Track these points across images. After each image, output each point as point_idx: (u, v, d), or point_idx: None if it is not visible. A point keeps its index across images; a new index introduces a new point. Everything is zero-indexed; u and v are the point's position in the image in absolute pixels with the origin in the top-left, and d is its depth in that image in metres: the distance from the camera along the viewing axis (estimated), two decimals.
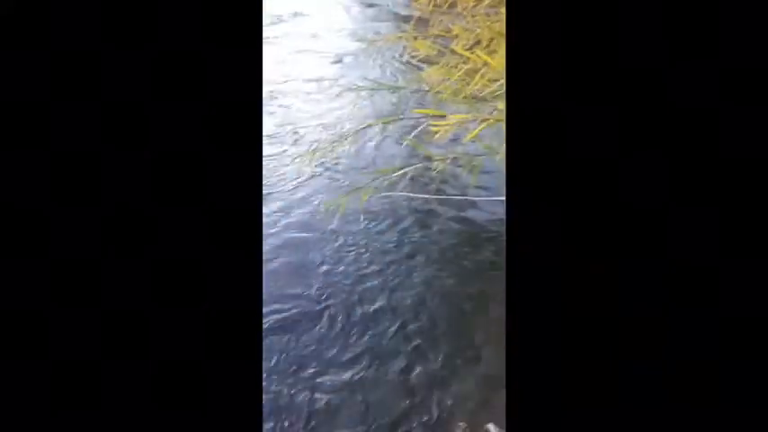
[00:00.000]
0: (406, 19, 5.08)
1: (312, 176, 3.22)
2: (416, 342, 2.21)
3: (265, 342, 2.20)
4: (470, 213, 2.87)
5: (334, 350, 2.19)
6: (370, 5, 6.03)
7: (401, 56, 4.40)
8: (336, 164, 3.30)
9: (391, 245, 2.69)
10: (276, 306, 2.40)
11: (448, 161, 3.02)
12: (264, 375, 2.08)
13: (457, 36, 2.54)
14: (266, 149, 3.50)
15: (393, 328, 2.26)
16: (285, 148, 3.50)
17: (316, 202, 2.97)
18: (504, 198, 2.66)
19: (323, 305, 2.39)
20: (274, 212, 2.91)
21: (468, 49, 2.41)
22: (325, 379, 2.11)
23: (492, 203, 2.94)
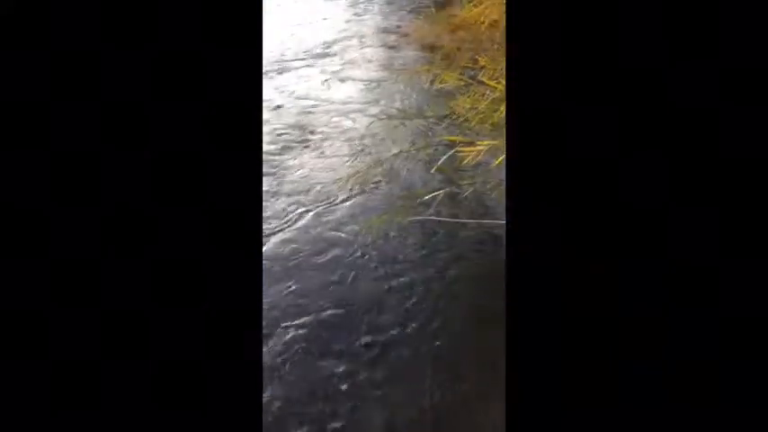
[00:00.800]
0: (435, 49, 5.19)
1: (349, 198, 3.29)
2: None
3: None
4: (497, 232, 2.95)
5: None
6: (405, 35, 6.14)
7: (432, 84, 4.49)
8: (373, 187, 3.37)
9: (423, 263, 2.76)
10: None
11: (476, 185, 3.08)
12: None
13: (483, 67, 2.63)
14: (312, 163, 3.64)
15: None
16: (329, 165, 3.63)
17: (353, 223, 3.05)
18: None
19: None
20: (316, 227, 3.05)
21: (493, 80, 2.50)
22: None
23: None
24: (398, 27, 6.33)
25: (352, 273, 2.68)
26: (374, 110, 4.38)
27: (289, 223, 3.04)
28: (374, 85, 4.89)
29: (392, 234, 2.91)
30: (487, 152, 2.63)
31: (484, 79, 2.58)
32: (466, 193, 3.12)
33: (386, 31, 6.34)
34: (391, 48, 5.83)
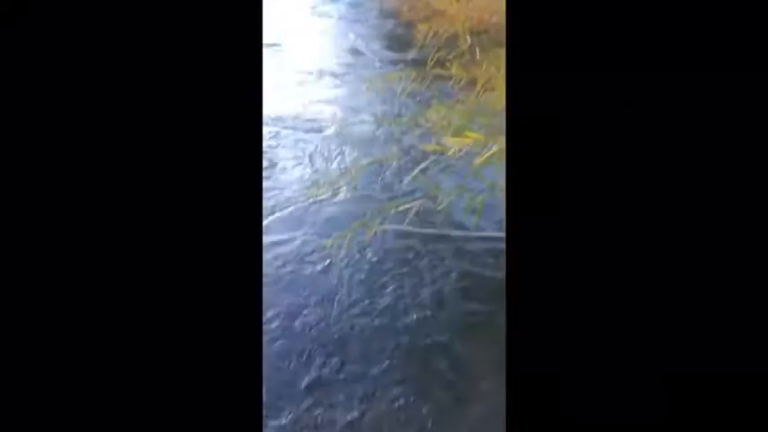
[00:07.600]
0: (404, 61, 5.34)
1: (320, 207, 3.24)
2: None
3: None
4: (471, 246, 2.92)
5: None
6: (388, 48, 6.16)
7: (403, 91, 4.41)
8: (344, 196, 3.32)
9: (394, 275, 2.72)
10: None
11: (452, 197, 3.04)
12: None
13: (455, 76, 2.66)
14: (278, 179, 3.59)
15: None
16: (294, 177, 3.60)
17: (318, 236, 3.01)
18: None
19: None
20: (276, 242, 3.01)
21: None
22: None
23: (493, 239, 2.99)
24: None
25: None
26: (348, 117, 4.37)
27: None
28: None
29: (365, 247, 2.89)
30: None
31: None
32: (441, 204, 3.09)
33: None
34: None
